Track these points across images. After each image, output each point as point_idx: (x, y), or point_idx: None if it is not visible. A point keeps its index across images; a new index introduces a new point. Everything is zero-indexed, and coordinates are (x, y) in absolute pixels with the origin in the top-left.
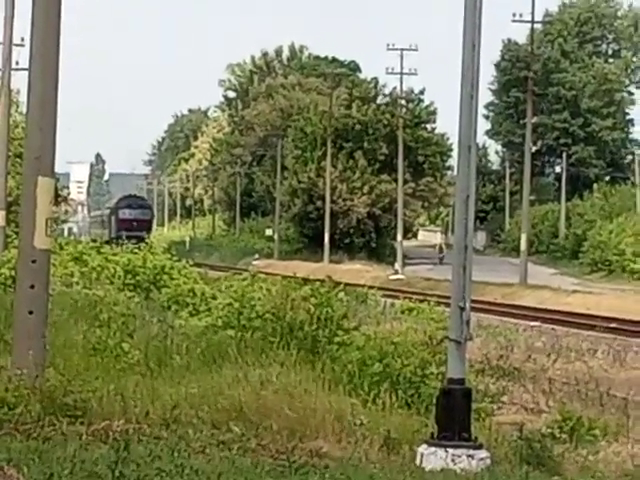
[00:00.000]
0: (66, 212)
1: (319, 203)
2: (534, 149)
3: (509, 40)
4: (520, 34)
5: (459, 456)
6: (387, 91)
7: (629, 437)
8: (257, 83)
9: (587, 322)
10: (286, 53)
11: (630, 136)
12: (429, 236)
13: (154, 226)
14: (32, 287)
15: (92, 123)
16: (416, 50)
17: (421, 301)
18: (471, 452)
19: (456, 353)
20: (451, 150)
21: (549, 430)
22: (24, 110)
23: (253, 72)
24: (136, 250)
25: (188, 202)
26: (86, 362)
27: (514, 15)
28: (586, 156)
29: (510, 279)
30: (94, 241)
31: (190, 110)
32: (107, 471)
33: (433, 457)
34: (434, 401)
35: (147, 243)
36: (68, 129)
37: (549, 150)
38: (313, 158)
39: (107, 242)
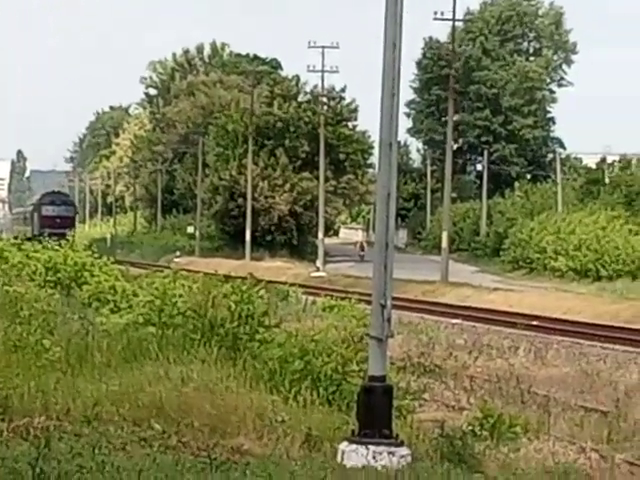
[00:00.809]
0: None
1: (240, 200)
2: (455, 147)
3: (430, 38)
4: (441, 32)
5: (380, 453)
6: (308, 89)
7: (550, 434)
8: (178, 80)
9: (508, 320)
10: (207, 50)
11: (551, 134)
12: (350, 234)
13: (77, 223)
14: None
15: (13, 120)
16: (337, 48)
17: (342, 298)
18: (392, 449)
19: (377, 350)
20: (372, 148)
21: (470, 427)
22: None
23: (174, 69)
24: (57, 247)
25: (109, 199)
26: (7, 359)
27: (435, 13)
28: (507, 154)
29: (431, 277)
30: (16, 238)
31: (111, 107)
32: (28, 468)
33: (354, 454)
34: (355, 398)
35: (67, 240)
36: None
37: (470, 148)
38: (234, 156)
39: (29, 239)
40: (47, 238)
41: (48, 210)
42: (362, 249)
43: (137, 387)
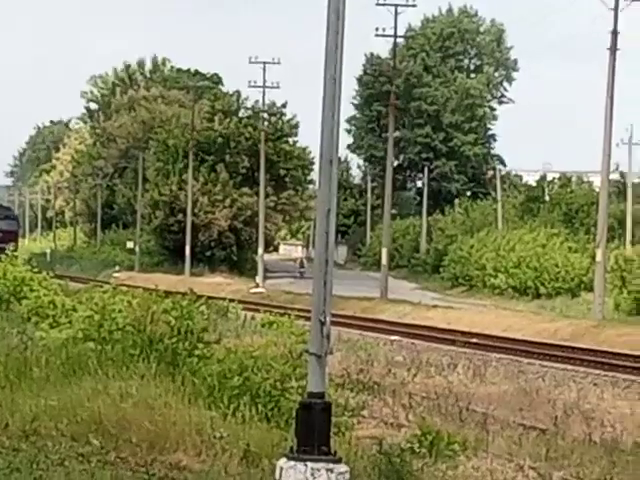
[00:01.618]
0: None
1: (180, 216)
2: (396, 163)
3: (372, 54)
4: (383, 48)
5: (318, 470)
6: (249, 104)
7: (488, 452)
8: (119, 95)
9: (447, 337)
10: (148, 65)
11: (491, 151)
12: (290, 250)
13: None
14: None
15: None
16: (279, 63)
17: (282, 315)
18: (330, 466)
19: (316, 367)
20: (313, 164)
21: (408, 444)
22: None
23: (115, 84)
24: None
25: (49, 214)
26: None
27: (377, 29)
28: (448, 171)
29: (371, 293)
30: None
31: (52, 121)
32: None
33: (292, 471)
34: (294, 414)
35: (7, 254)
36: None
37: (411, 164)
38: (175, 171)
39: None
40: None
41: None
42: (302, 265)
43: (76, 402)
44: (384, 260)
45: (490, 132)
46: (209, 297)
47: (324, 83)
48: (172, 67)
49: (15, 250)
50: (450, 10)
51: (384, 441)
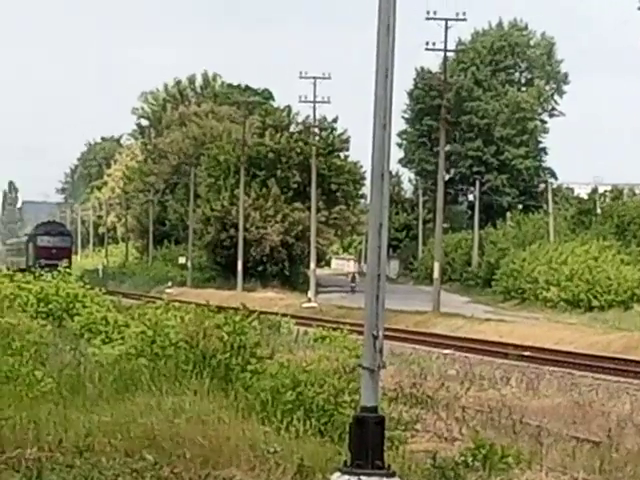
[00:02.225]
0: None
1: (232, 231)
2: (447, 177)
3: (422, 68)
4: (433, 62)
5: None
6: (300, 119)
7: (542, 465)
8: (170, 111)
9: (500, 350)
10: (199, 81)
11: (543, 164)
12: (342, 264)
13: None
14: None
15: (5, 151)
16: (329, 78)
17: (334, 329)
18: None
19: (369, 381)
20: (364, 178)
21: (462, 458)
22: None
23: (166, 100)
24: (50, 278)
25: (101, 230)
26: None
27: (427, 43)
28: (499, 184)
29: (423, 307)
30: (8, 270)
31: (103, 138)
32: None
33: None
34: (347, 429)
35: (59, 271)
36: None
37: (462, 178)
38: (226, 186)
39: (23, 270)
40: (38, 269)
41: (43, 240)
42: (353, 280)
43: (129, 418)
44: (436, 274)
45: (541, 145)
46: (261, 312)
47: (375, 97)
48: (223, 83)
49: (69, 267)
50: (500, 24)
51: (438, 455)
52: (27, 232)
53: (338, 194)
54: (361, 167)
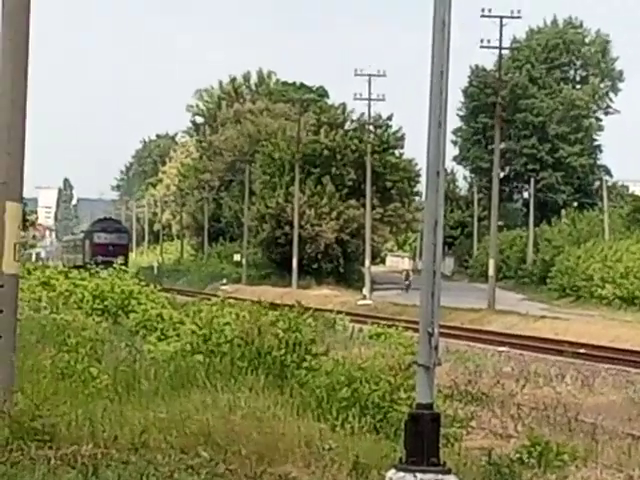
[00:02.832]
0: (34, 237)
1: (287, 228)
2: (502, 175)
3: (477, 66)
4: (488, 60)
5: None
6: (355, 117)
7: (598, 462)
8: (225, 108)
9: (555, 347)
10: (254, 79)
11: (598, 162)
12: (397, 261)
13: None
14: (0, 312)
15: (60, 148)
16: (384, 76)
17: (389, 326)
18: (440, 477)
19: (425, 378)
20: (419, 176)
21: (517, 455)
22: None
23: (221, 98)
24: (105, 275)
25: (156, 227)
26: (54, 387)
27: (482, 41)
28: (554, 182)
29: (478, 304)
30: (72, 268)
31: (158, 135)
32: None
33: None
34: (403, 426)
35: (114, 267)
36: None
37: (517, 176)
38: (281, 183)
39: (79, 267)
40: (93, 265)
41: (100, 237)
42: (407, 278)
43: (184, 415)
44: (491, 271)
45: (596, 143)
46: (317, 309)
47: (430, 94)
48: (278, 80)
49: (125, 264)
50: (555, 21)
51: (493, 452)
52: (83, 229)
53: (393, 191)
54: (416, 165)
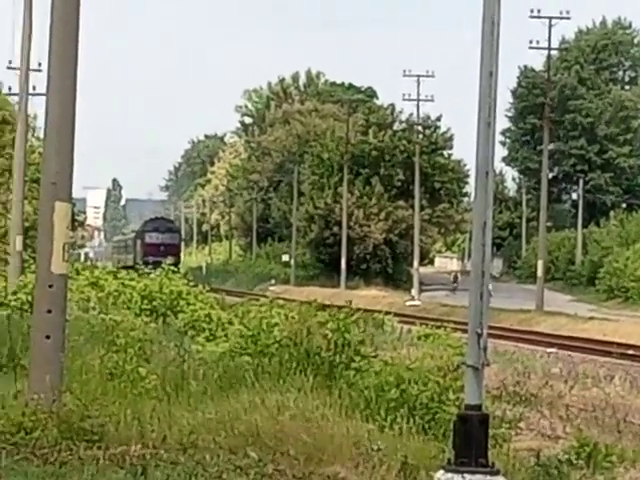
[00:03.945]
0: (82, 237)
1: (335, 229)
2: (551, 176)
3: (525, 67)
4: (537, 61)
5: None
6: (404, 117)
7: None
8: (274, 109)
9: (604, 349)
10: (303, 79)
11: None
12: (445, 262)
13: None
14: (49, 312)
15: (109, 150)
16: (433, 76)
17: (438, 327)
18: (488, 478)
19: (473, 379)
20: (467, 177)
21: (566, 456)
22: (41, 135)
23: (270, 98)
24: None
25: (204, 228)
26: (103, 387)
27: (531, 42)
28: (603, 183)
29: (526, 305)
30: (122, 268)
31: (207, 136)
32: None
33: None
34: (451, 427)
35: (163, 268)
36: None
37: (566, 177)
38: (330, 184)
39: (129, 267)
40: (142, 266)
41: (152, 237)
42: (455, 280)
43: (233, 415)
44: (540, 272)
45: None
46: (365, 310)
47: (479, 95)
48: (326, 81)
49: (177, 264)
50: (604, 22)
51: (542, 453)
52: (131, 229)
53: (441, 192)
54: (464, 165)
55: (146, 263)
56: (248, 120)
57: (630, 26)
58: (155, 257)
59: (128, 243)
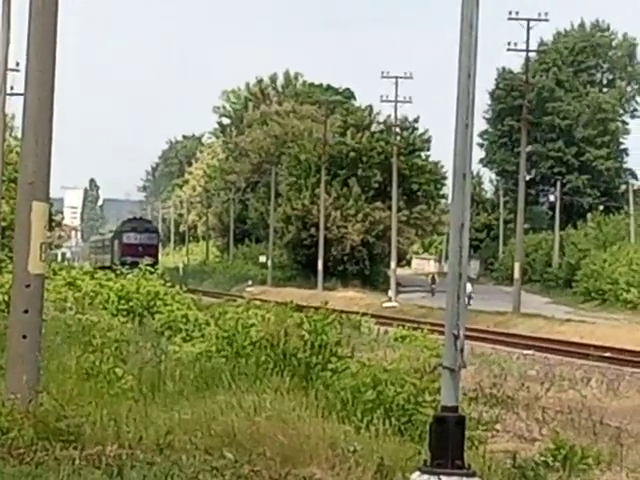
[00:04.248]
0: (60, 237)
1: (313, 230)
2: (528, 178)
3: (504, 69)
4: (515, 63)
5: None
6: (381, 119)
7: (622, 466)
8: (251, 110)
9: (580, 351)
10: (281, 80)
11: (624, 165)
12: (423, 264)
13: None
14: (26, 312)
15: (87, 149)
16: (411, 78)
17: (414, 329)
18: None
19: (450, 381)
20: (445, 178)
21: (542, 458)
22: (19, 135)
23: (248, 99)
24: (130, 276)
25: (182, 228)
26: (79, 387)
27: (509, 44)
28: (580, 185)
29: (503, 307)
30: (99, 268)
31: (184, 136)
32: None
33: None
34: (427, 428)
35: (140, 269)
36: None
37: (543, 179)
38: (307, 185)
39: (107, 268)
40: (119, 267)
41: (130, 237)
42: (433, 282)
43: (209, 416)
44: (517, 274)
45: (622, 146)
46: (342, 311)
47: (457, 96)
48: (304, 82)
49: (155, 264)
50: (582, 24)
51: (518, 455)
52: (109, 230)
53: (419, 194)
54: (442, 167)
55: (124, 263)
56: (226, 121)
57: (608, 29)
58: (133, 257)
59: (106, 243)
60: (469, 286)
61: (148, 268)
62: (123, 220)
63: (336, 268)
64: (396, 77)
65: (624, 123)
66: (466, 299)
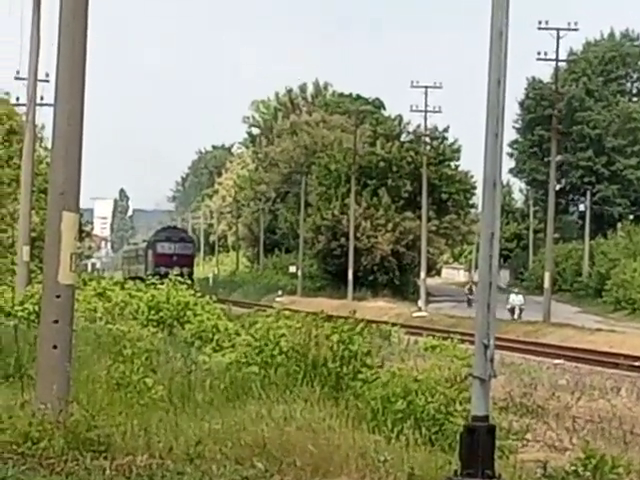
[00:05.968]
0: (90, 248)
1: (343, 240)
2: (558, 187)
3: (534, 78)
4: (545, 72)
5: None
6: (411, 128)
7: None
8: (281, 120)
9: (611, 360)
10: (310, 90)
11: None
12: (453, 274)
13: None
14: (56, 322)
15: (117, 159)
16: (440, 87)
17: (445, 338)
18: None
19: (480, 390)
20: (475, 188)
21: (572, 468)
22: (49, 145)
23: (277, 109)
24: (160, 286)
25: (212, 238)
26: (110, 397)
27: (539, 53)
28: (610, 195)
29: (533, 317)
30: (132, 279)
31: (214, 147)
32: None
33: None
34: (458, 438)
35: (170, 279)
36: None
37: (573, 188)
38: (337, 195)
39: (139, 278)
40: (152, 277)
41: (164, 247)
42: (471, 292)
43: (240, 426)
44: (547, 284)
45: None
46: (372, 321)
47: (487, 106)
48: (334, 92)
49: (190, 275)
50: (612, 34)
51: (548, 464)
52: (138, 240)
53: (449, 203)
54: (472, 177)
55: (157, 274)
56: (255, 131)
57: (638, 38)
58: (167, 267)
59: (139, 253)
60: (521, 298)
61: (178, 279)
62: (157, 229)
63: (366, 278)
64: (426, 87)
65: None
66: (518, 311)
